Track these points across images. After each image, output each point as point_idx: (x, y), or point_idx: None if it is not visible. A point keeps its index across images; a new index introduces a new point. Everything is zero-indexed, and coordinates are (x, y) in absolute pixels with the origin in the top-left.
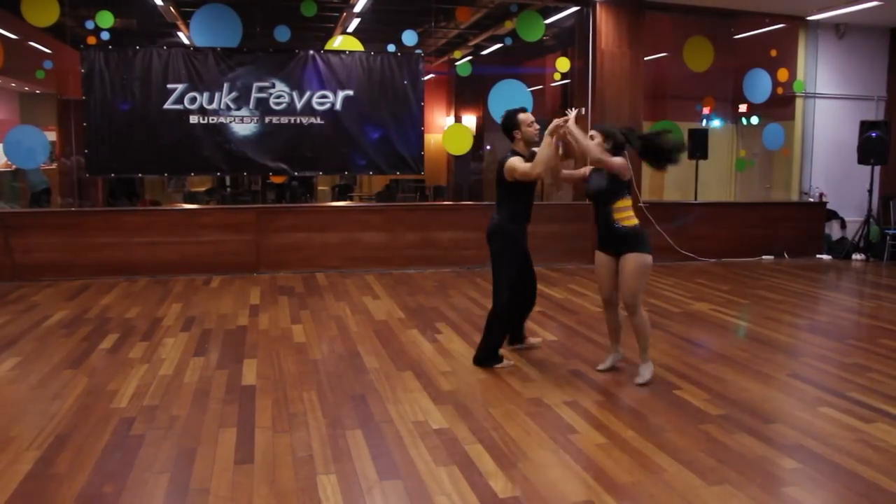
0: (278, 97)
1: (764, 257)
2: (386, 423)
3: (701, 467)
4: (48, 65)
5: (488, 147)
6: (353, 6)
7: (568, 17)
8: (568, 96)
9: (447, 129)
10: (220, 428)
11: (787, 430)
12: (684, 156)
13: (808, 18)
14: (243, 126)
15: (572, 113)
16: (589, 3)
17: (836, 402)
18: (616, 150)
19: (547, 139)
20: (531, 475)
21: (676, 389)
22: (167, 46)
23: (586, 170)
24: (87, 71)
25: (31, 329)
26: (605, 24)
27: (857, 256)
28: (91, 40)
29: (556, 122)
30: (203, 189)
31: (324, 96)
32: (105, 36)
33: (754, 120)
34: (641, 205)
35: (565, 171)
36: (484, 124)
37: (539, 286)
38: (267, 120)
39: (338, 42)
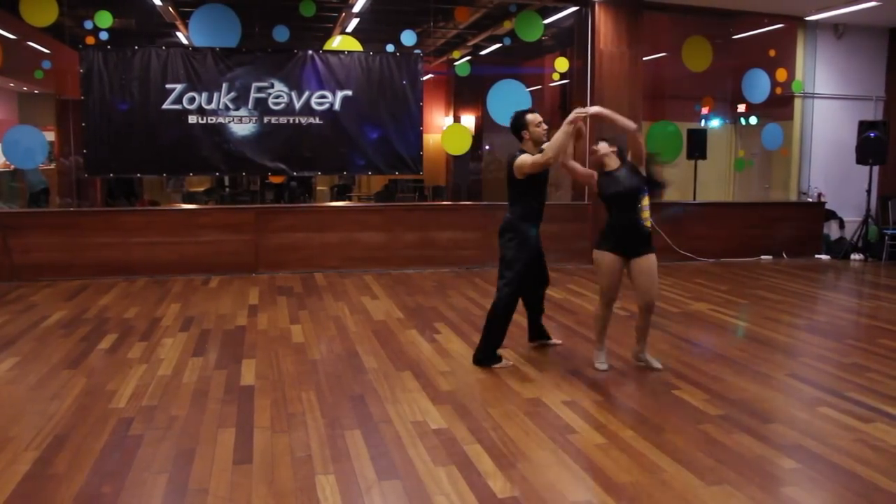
0: (277, 97)
1: (763, 257)
2: (385, 423)
3: (700, 467)
4: (47, 65)
5: (487, 147)
6: (351, 6)
7: (567, 17)
8: (567, 96)
9: (446, 130)
10: (218, 428)
11: (785, 430)
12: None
13: (807, 18)
14: (242, 126)
15: (593, 108)
16: (588, 3)
17: (834, 402)
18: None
19: (565, 127)
20: (530, 475)
21: (675, 389)
22: (166, 46)
23: (593, 172)
24: (85, 71)
25: (30, 329)
26: (603, 24)
27: (855, 256)
28: (90, 40)
29: (577, 111)
30: (202, 189)
31: (323, 96)
32: (104, 36)
33: (753, 120)
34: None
35: (571, 162)
36: (483, 124)
37: None
38: (266, 120)
39: (337, 42)
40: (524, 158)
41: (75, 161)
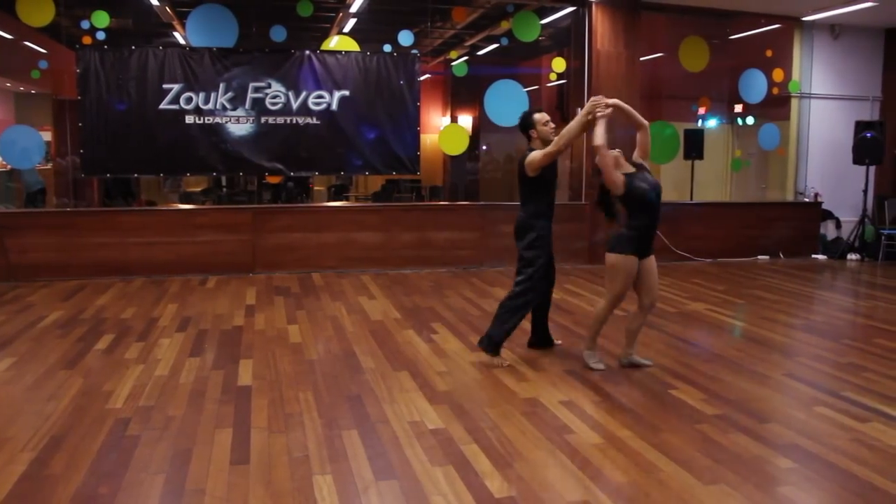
0: (274, 97)
1: (759, 257)
2: (382, 423)
3: (697, 467)
4: (43, 65)
5: (484, 147)
6: (349, 6)
7: (564, 18)
8: (564, 97)
9: (443, 130)
10: (215, 428)
11: (782, 430)
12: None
13: (804, 19)
14: (239, 126)
15: (612, 100)
16: (585, 3)
17: (831, 402)
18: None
19: (580, 117)
20: (527, 475)
21: (672, 389)
22: (163, 46)
23: (621, 175)
24: (82, 71)
25: (27, 329)
26: (600, 24)
27: (852, 256)
28: (86, 40)
29: (595, 100)
30: (199, 189)
31: (320, 96)
32: (101, 36)
33: (750, 120)
34: None
35: (609, 154)
36: (480, 125)
37: None
38: (263, 120)
39: (334, 42)
40: (535, 153)
41: (72, 161)
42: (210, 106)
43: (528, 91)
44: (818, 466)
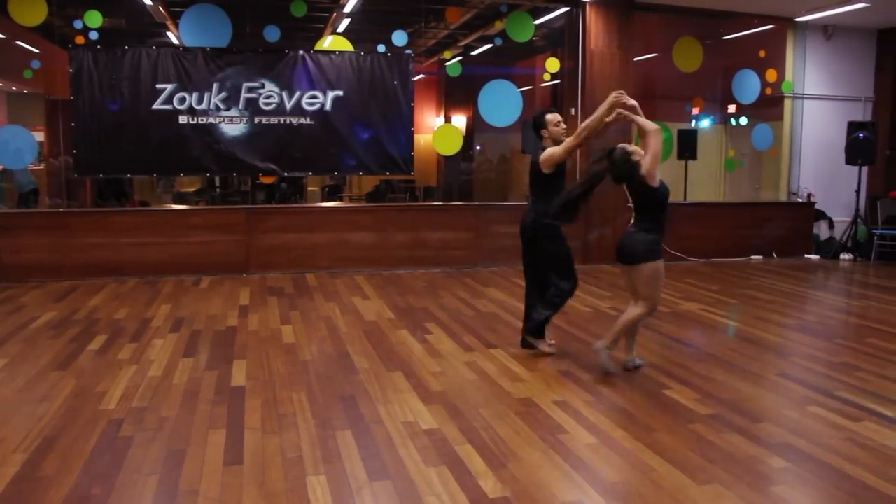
0: (268, 97)
1: (753, 257)
2: (376, 423)
3: (690, 467)
4: (36, 64)
5: (478, 147)
6: (343, 6)
7: (558, 18)
8: (558, 97)
9: (437, 130)
10: (209, 429)
11: (775, 430)
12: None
13: (797, 20)
14: (233, 126)
15: (631, 101)
16: (578, 3)
17: (824, 402)
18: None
19: (600, 111)
20: (521, 475)
21: (666, 389)
22: (156, 46)
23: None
24: (75, 71)
25: (19, 331)
26: (594, 24)
27: (845, 256)
28: (79, 40)
29: (617, 95)
30: (192, 189)
31: (313, 97)
32: (93, 35)
33: (743, 120)
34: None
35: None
36: (474, 125)
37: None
38: (256, 120)
39: (328, 42)
40: (553, 149)
41: (65, 161)
42: (203, 106)
43: (521, 91)
44: (811, 466)
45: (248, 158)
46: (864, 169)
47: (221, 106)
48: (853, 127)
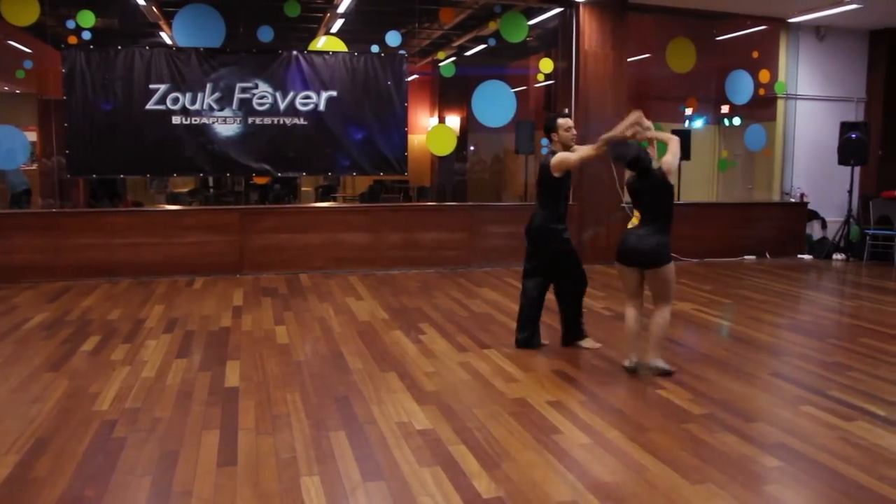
0: (261, 98)
1: (746, 257)
2: (369, 424)
3: (684, 466)
4: (28, 64)
5: (472, 148)
6: (336, 7)
7: (551, 19)
8: (552, 97)
9: (431, 130)
10: (202, 430)
11: (768, 429)
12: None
13: (789, 21)
14: (226, 127)
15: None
16: (572, 4)
17: (817, 401)
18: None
19: (619, 131)
20: (515, 475)
21: (660, 389)
22: (149, 46)
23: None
24: (67, 71)
25: (11, 332)
26: (588, 25)
27: (837, 256)
28: (72, 40)
29: (638, 118)
30: (186, 190)
31: (307, 97)
32: (86, 35)
33: (736, 121)
34: (624, 204)
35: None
36: (468, 125)
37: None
38: (250, 121)
39: (321, 43)
40: (568, 155)
41: (57, 162)
42: (197, 106)
43: (515, 92)
44: (804, 465)
45: (241, 159)
46: (857, 169)
47: (215, 106)
48: (845, 127)
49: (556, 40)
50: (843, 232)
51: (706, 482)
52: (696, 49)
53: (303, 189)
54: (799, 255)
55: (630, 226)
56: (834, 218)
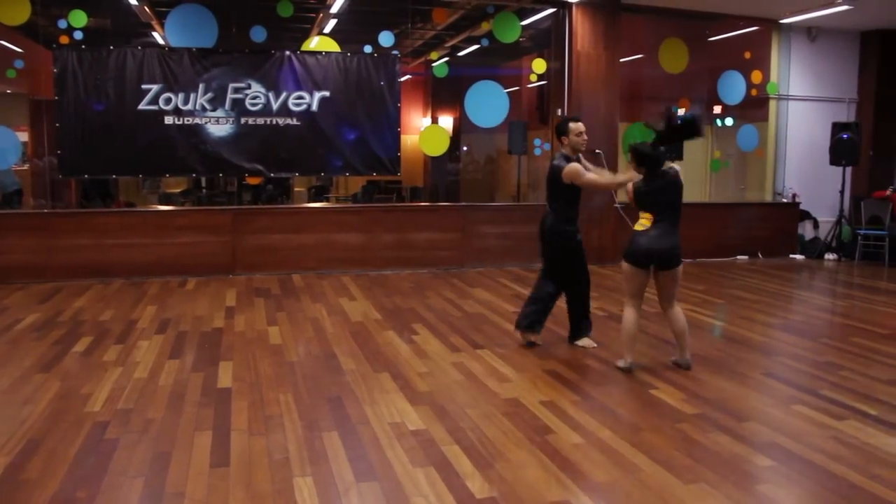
0: (254, 98)
1: (738, 257)
2: (362, 424)
3: (677, 466)
4: (19, 64)
5: (465, 148)
6: (329, 7)
7: (544, 19)
8: (544, 97)
9: (424, 131)
10: (195, 431)
11: (761, 429)
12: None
13: (781, 21)
14: (219, 127)
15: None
16: (565, 4)
17: (809, 400)
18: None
19: (616, 182)
20: (508, 475)
21: (652, 389)
22: (142, 46)
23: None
24: (59, 71)
25: (2, 333)
26: (581, 25)
27: (829, 256)
28: (64, 40)
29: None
30: (178, 190)
31: (300, 97)
32: (78, 35)
33: (729, 121)
34: (617, 205)
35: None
36: (460, 125)
37: (516, 287)
38: (243, 121)
39: (314, 43)
40: (581, 173)
41: (49, 162)
42: (189, 107)
43: (508, 92)
44: (796, 464)
45: (234, 159)
46: (848, 170)
47: (207, 106)
48: (837, 128)
49: (549, 41)
50: (834, 232)
51: (699, 482)
52: (688, 50)
53: (296, 189)
54: (791, 255)
55: (640, 228)
56: (826, 218)
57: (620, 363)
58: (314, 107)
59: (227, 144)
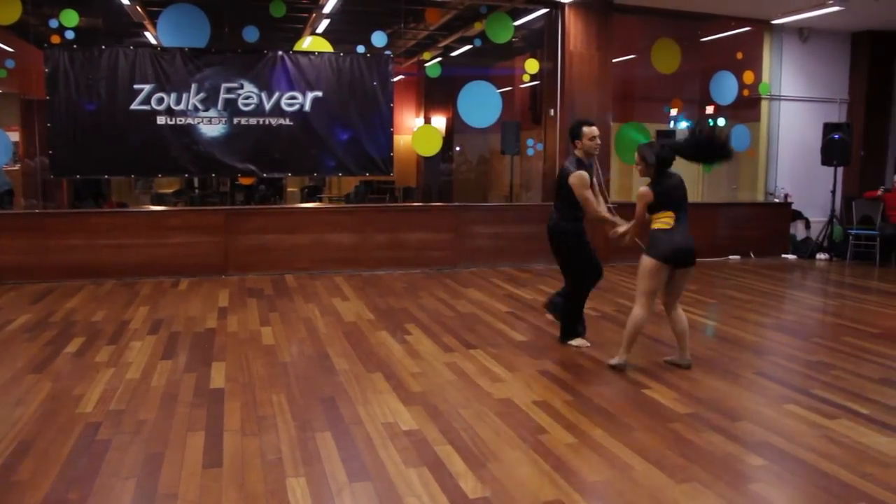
0: (247, 98)
1: (731, 257)
2: (356, 424)
3: (669, 465)
4: (10, 64)
5: (458, 148)
6: (322, 7)
7: (537, 19)
8: (537, 97)
9: (417, 131)
10: (188, 432)
11: (753, 428)
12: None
13: (773, 22)
14: (211, 127)
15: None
16: (558, 5)
17: (800, 400)
18: (649, 168)
19: (608, 225)
20: (501, 475)
21: (645, 388)
22: (134, 46)
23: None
24: (50, 70)
25: None
26: (573, 25)
27: (821, 256)
28: (55, 39)
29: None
30: (171, 191)
31: (293, 97)
32: (70, 35)
33: (721, 121)
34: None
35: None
36: (453, 125)
37: (508, 287)
38: (235, 121)
39: (307, 43)
40: (584, 189)
41: (41, 162)
42: (182, 107)
43: (501, 92)
44: (788, 463)
45: (226, 159)
46: (840, 170)
47: (200, 106)
48: (828, 128)
49: (542, 41)
50: (826, 232)
51: (691, 481)
52: (680, 50)
53: (288, 189)
54: (783, 255)
55: (664, 226)
56: (817, 218)
57: (613, 361)
58: (307, 107)
59: (220, 144)
